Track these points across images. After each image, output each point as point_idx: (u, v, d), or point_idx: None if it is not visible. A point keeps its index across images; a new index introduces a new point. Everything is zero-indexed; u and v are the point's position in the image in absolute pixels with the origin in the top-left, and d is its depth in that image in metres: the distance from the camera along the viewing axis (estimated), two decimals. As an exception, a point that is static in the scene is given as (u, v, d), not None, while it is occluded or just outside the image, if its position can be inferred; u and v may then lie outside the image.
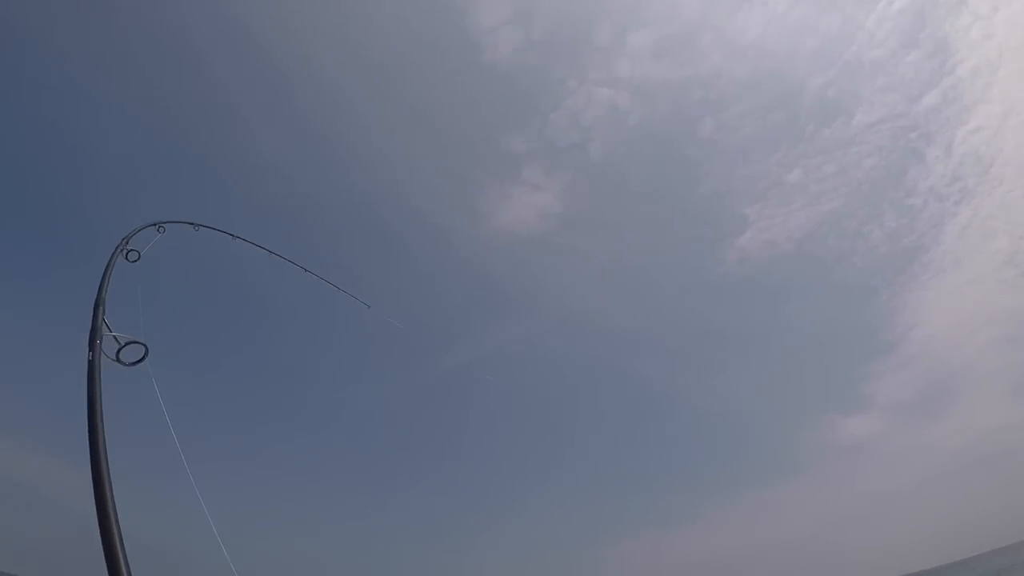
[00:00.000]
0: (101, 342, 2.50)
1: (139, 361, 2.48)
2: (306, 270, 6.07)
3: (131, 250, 4.09)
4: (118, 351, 2.55)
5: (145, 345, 2.51)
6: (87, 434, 2.20)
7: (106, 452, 2.16)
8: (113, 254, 3.71)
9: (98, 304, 2.81)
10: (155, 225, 4.74)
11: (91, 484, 2.12)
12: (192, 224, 5.26)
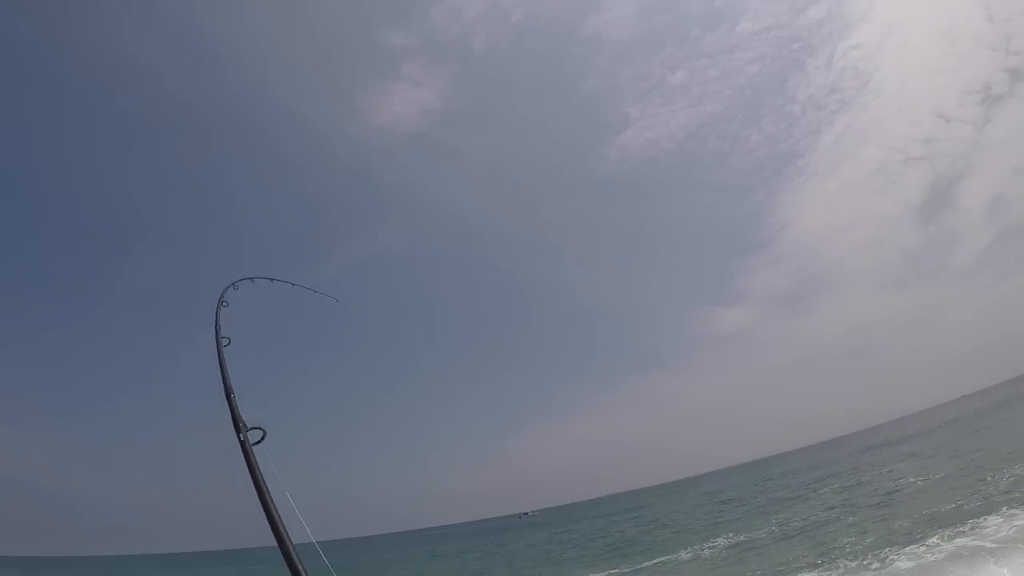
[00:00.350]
0: (245, 425, 3.35)
1: (260, 442, 3.26)
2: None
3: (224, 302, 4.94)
4: (246, 432, 3.36)
5: (264, 430, 3.29)
6: (260, 504, 2.91)
7: (280, 516, 2.88)
8: (218, 343, 4.24)
9: (228, 392, 3.65)
10: (245, 280, 5.44)
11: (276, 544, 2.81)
12: (270, 279, 5.85)
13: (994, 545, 10.54)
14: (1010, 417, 33.71)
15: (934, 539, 12.13)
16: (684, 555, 20.93)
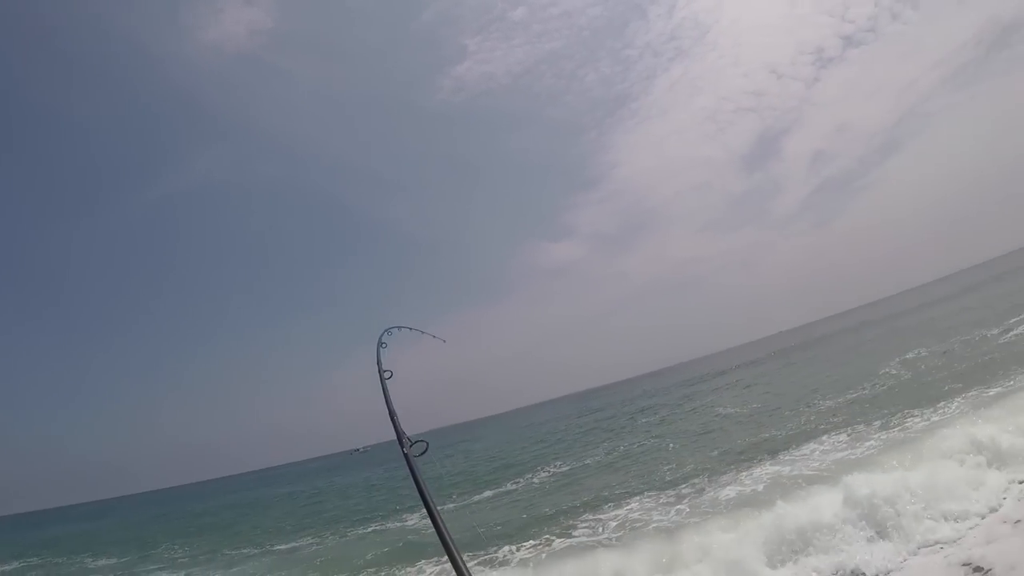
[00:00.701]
0: (408, 440, 3.72)
1: (423, 453, 3.62)
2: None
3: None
4: (410, 446, 3.68)
5: (427, 442, 3.67)
6: (427, 513, 3.17)
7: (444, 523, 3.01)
8: (381, 376, 4.70)
9: (392, 414, 4.15)
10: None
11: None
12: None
13: (811, 472, 10.47)
14: (817, 355, 36.99)
15: (753, 468, 12.08)
16: (510, 486, 20.67)
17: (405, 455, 3.62)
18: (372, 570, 12.21)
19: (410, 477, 3.53)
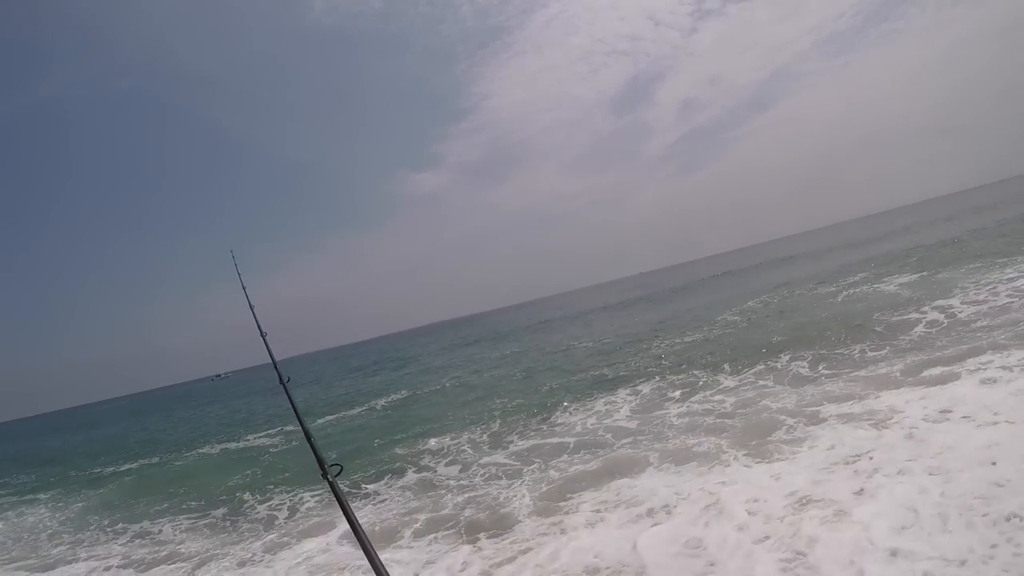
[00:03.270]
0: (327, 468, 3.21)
1: (339, 474, 3.16)
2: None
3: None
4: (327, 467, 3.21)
5: (341, 465, 3.24)
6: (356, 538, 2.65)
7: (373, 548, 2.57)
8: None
9: (308, 435, 3.54)
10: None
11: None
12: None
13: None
14: (687, 305, 37.78)
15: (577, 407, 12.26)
16: (354, 411, 20.24)
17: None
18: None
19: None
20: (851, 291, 19.62)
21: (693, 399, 10.72)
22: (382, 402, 21.09)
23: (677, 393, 11.45)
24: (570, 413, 11.93)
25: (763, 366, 12.00)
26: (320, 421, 19.34)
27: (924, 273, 18.75)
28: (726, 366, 12.73)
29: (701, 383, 11.81)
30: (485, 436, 11.70)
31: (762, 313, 20.71)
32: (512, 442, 10.78)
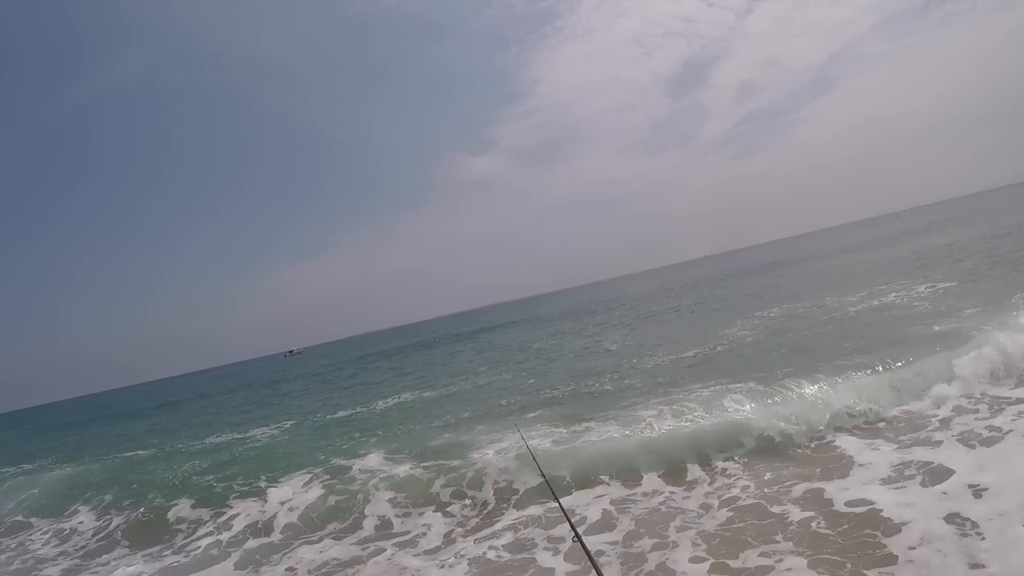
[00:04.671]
0: None
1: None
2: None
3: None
4: None
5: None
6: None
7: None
8: None
9: None
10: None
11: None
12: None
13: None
14: (732, 292, 34.60)
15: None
16: (380, 405, 18.60)
17: None
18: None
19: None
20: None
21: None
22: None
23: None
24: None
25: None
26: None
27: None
28: None
29: None
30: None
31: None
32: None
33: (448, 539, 7.04)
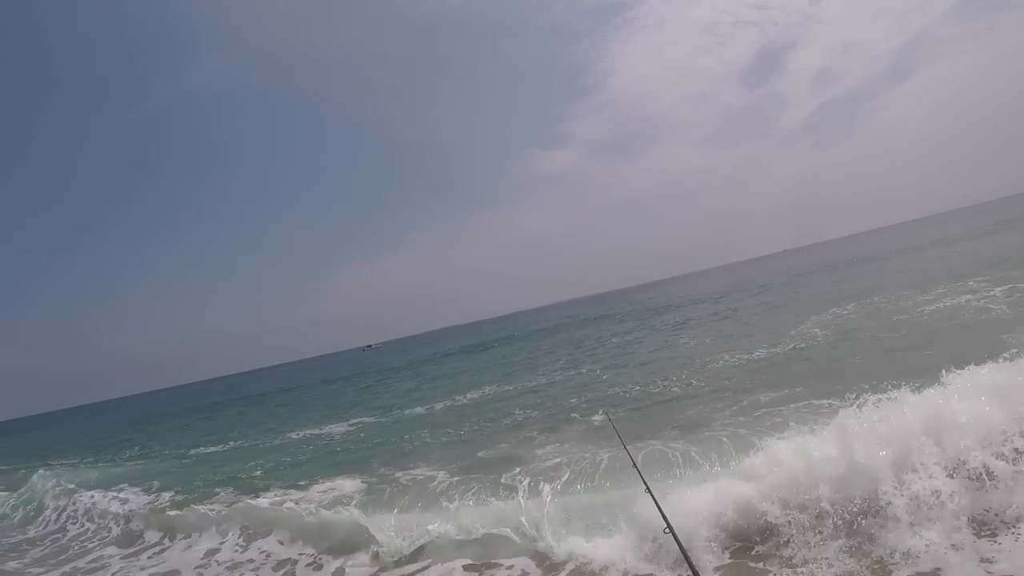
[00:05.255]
0: None
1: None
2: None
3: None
4: None
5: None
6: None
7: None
8: None
9: None
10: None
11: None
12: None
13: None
14: (811, 284, 33.20)
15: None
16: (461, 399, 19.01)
17: None
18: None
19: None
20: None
21: None
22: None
23: None
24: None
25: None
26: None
27: None
28: None
29: None
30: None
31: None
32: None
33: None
